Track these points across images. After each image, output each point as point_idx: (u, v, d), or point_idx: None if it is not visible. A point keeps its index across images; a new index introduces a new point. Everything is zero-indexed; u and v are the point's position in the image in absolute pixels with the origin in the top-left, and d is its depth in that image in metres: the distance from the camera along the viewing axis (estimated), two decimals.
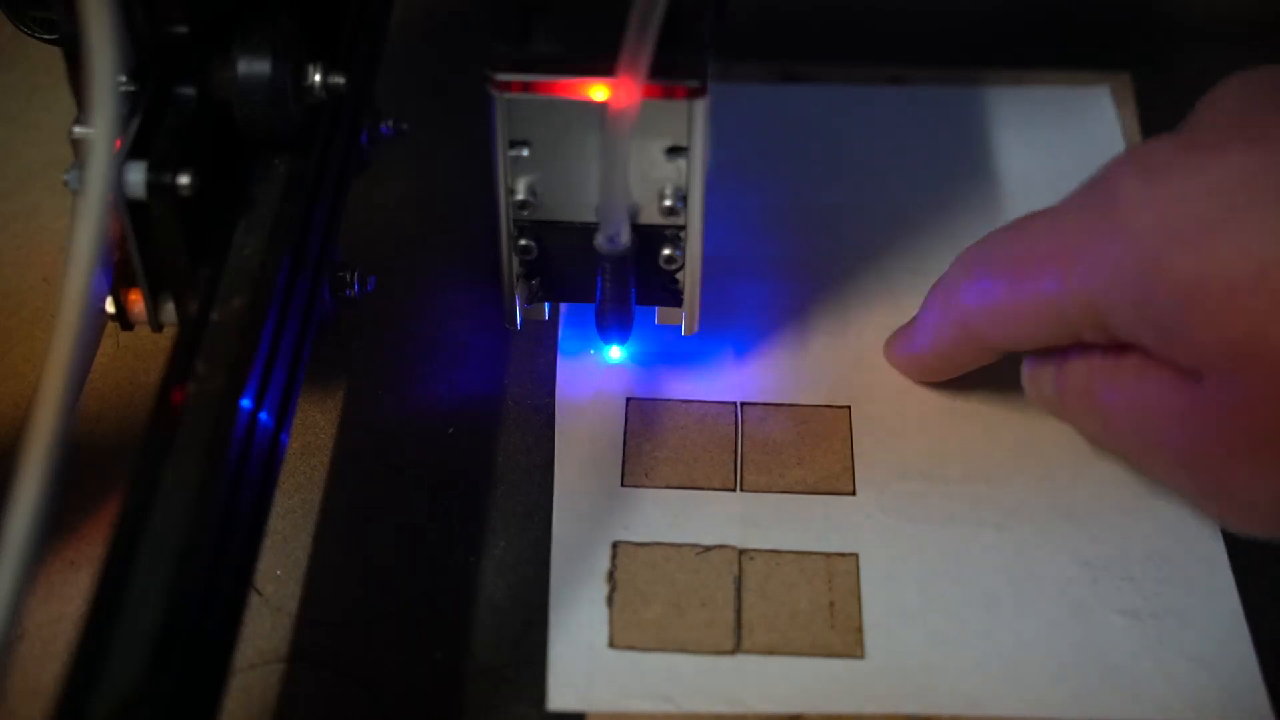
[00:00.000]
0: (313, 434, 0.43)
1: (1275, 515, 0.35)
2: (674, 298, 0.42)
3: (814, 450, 0.43)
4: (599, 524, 0.41)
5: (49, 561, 0.40)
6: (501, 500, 0.42)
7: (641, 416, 0.44)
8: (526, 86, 0.36)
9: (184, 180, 0.34)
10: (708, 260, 0.40)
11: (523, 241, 0.40)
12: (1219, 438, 0.34)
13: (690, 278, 0.41)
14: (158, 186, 0.34)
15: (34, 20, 0.40)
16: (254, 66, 0.37)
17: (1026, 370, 0.41)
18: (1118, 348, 0.37)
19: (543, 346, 0.46)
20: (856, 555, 0.41)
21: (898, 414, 0.44)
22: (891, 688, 0.38)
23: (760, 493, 0.42)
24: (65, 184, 0.34)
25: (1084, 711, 0.38)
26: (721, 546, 0.41)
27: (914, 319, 0.43)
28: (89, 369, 0.45)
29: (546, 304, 0.43)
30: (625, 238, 0.38)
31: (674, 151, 0.38)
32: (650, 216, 0.39)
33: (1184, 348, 0.34)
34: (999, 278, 0.38)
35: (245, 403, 0.34)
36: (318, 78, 0.39)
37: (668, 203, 0.38)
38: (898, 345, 0.44)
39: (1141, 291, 0.34)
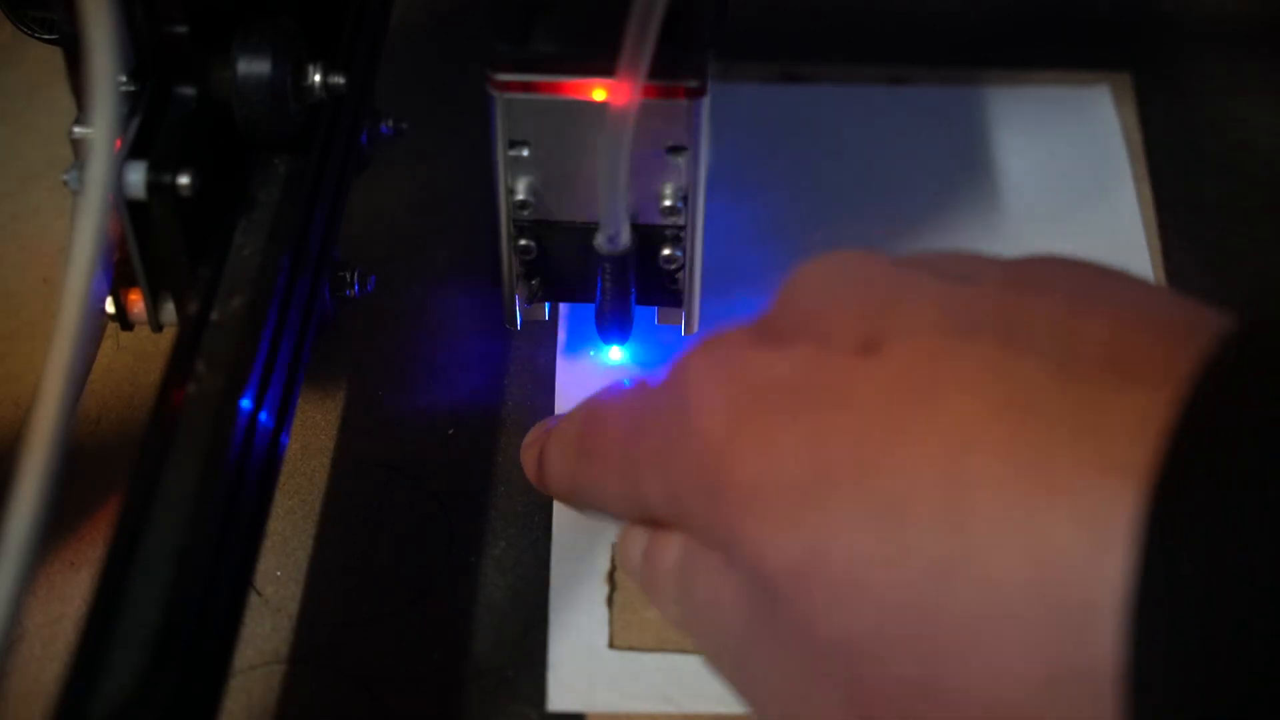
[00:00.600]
0: (313, 434, 0.43)
1: None
2: (674, 298, 0.42)
3: None
4: (599, 524, 0.41)
5: (49, 561, 0.40)
6: (501, 500, 0.42)
7: None
8: (526, 86, 0.36)
9: (184, 180, 0.34)
10: (707, 260, 0.40)
11: (523, 241, 0.40)
12: (785, 656, 0.30)
13: (690, 278, 0.41)
14: (158, 186, 0.34)
15: (34, 20, 0.40)
16: (254, 66, 0.37)
17: (620, 543, 0.36)
18: (695, 543, 0.33)
19: (543, 347, 0.46)
20: None
21: None
22: None
23: None
24: (65, 184, 0.34)
25: None
26: None
27: (537, 441, 0.39)
28: (89, 369, 0.45)
29: (546, 304, 0.43)
30: (625, 238, 0.38)
31: (674, 151, 0.38)
32: (650, 216, 0.39)
33: (742, 558, 0.30)
34: (586, 446, 0.35)
35: (245, 403, 0.34)
36: (318, 78, 0.39)
37: (668, 203, 0.38)
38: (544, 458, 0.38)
39: (709, 489, 0.30)
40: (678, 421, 0.31)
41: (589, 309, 0.42)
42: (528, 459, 0.40)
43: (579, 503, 0.37)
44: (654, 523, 0.34)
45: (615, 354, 0.45)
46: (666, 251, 0.40)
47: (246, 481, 0.34)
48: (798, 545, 0.28)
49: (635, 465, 0.33)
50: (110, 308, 0.38)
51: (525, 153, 0.38)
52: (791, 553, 0.28)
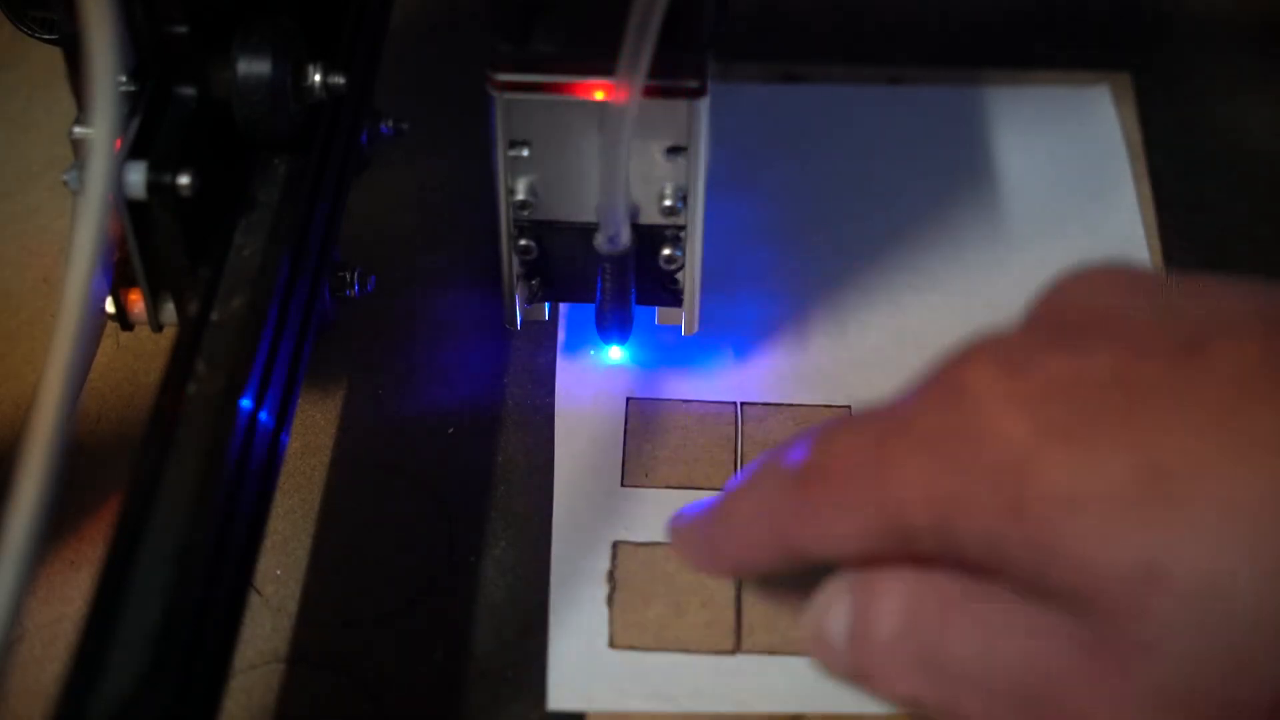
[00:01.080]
0: (313, 434, 0.43)
1: None
2: (674, 298, 0.42)
3: None
4: (599, 524, 0.41)
5: (49, 561, 0.40)
6: (501, 500, 0.42)
7: (641, 417, 0.44)
8: (526, 86, 0.36)
9: (184, 180, 0.34)
10: (708, 261, 0.40)
11: (523, 241, 0.40)
12: (1122, 687, 0.27)
13: (690, 278, 0.41)
14: (158, 186, 0.34)
15: (34, 20, 0.40)
16: (254, 66, 0.37)
17: (808, 629, 0.33)
18: (935, 588, 0.30)
19: (543, 346, 0.46)
20: None
21: None
22: None
23: None
24: (65, 184, 0.34)
25: None
26: None
27: (715, 506, 0.35)
28: (89, 369, 0.45)
29: (546, 304, 0.43)
30: (625, 238, 0.38)
31: (674, 151, 0.38)
32: (650, 216, 0.39)
33: (1062, 572, 0.27)
34: (818, 478, 0.31)
35: (245, 403, 0.34)
36: (318, 78, 0.39)
37: (668, 203, 0.38)
38: (696, 531, 0.35)
39: (1007, 501, 0.28)
40: (958, 432, 0.28)
41: (589, 309, 0.42)
42: (687, 532, 0.36)
43: (788, 554, 0.32)
44: (895, 559, 0.30)
45: (615, 354, 0.45)
46: (666, 251, 0.40)
47: (246, 481, 0.34)
48: (1134, 556, 0.26)
49: (888, 487, 0.29)
50: (110, 308, 0.38)
51: (525, 153, 0.38)
52: (1127, 565, 0.26)
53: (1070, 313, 0.30)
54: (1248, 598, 0.25)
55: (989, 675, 0.29)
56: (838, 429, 0.31)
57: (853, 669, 0.32)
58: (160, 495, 0.32)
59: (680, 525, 0.36)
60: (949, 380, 0.29)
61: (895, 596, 0.30)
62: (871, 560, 0.31)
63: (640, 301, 0.42)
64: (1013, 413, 0.28)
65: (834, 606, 0.32)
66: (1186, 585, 0.26)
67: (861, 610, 0.31)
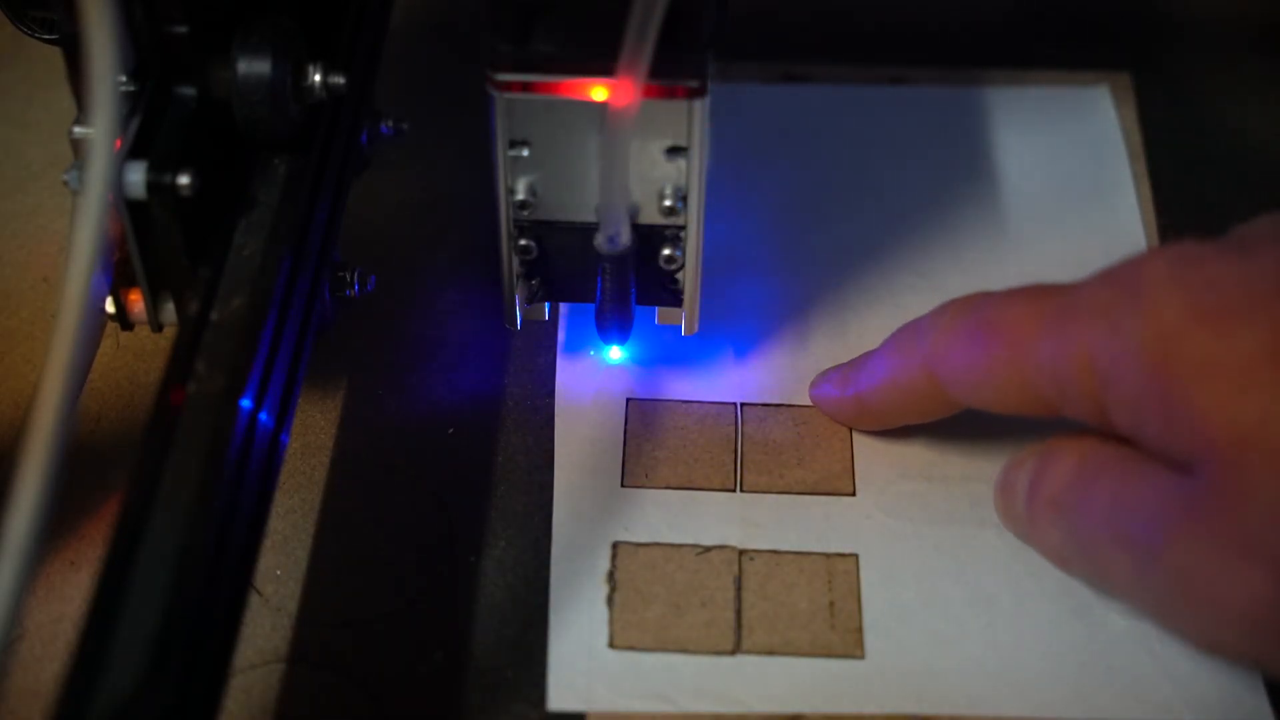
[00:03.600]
0: (313, 434, 0.43)
1: (1252, 625, 0.32)
2: (674, 298, 0.42)
3: (814, 450, 0.43)
4: (599, 524, 0.41)
5: (49, 561, 0.40)
6: (501, 500, 0.42)
7: (641, 417, 0.44)
8: (526, 86, 0.36)
9: (184, 180, 0.34)
10: (708, 260, 0.40)
11: (523, 241, 0.40)
12: (1209, 532, 0.32)
13: (690, 278, 0.41)
14: (158, 186, 0.34)
15: (34, 20, 0.40)
16: (254, 66, 0.37)
17: (998, 482, 0.40)
18: (1096, 454, 0.36)
19: (543, 346, 0.46)
20: (856, 555, 0.41)
21: None
22: (891, 688, 0.38)
23: (760, 493, 0.42)
24: (65, 184, 0.34)
25: (1084, 711, 0.38)
26: (721, 547, 0.41)
27: (855, 361, 0.42)
28: (89, 369, 0.44)
29: (546, 304, 0.43)
30: (625, 238, 0.38)
31: (674, 151, 0.38)
32: (650, 216, 0.39)
33: (1186, 428, 0.32)
34: (991, 330, 0.37)
35: (245, 403, 0.34)
36: (318, 78, 0.39)
37: (668, 203, 0.38)
38: (830, 384, 0.43)
39: (1152, 363, 0.33)
40: (1124, 307, 0.34)
41: (589, 309, 0.42)
42: (831, 376, 0.43)
43: (944, 403, 0.39)
44: (1037, 461, 0.37)
45: (615, 354, 0.45)
46: (666, 251, 0.40)
47: (246, 481, 0.34)
48: (1246, 413, 0.31)
49: (1057, 346, 0.35)
50: (110, 308, 0.38)
51: (525, 153, 0.38)
52: (1239, 420, 0.31)
53: (1250, 236, 0.35)
54: None
55: (1114, 528, 0.34)
56: (1013, 295, 0.37)
57: (1026, 519, 0.38)
58: (160, 495, 0.32)
59: (823, 380, 0.43)
60: (1127, 268, 0.35)
61: (1067, 461, 0.37)
62: (1020, 404, 0.37)
63: (640, 301, 0.42)
64: (1173, 297, 0.33)
65: (1025, 465, 0.38)
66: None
67: (1040, 470, 0.38)
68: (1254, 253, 0.33)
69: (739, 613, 0.39)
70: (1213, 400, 0.32)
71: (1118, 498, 0.34)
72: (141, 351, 0.45)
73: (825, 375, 0.43)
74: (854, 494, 0.42)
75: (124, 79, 0.36)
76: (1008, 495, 0.39)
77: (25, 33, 0.41)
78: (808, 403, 0.44)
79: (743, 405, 0.44)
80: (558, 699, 0.38)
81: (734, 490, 0.42)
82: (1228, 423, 0.31)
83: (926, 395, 0.39)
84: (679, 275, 0.41)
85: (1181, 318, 0.33)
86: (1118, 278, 0.35)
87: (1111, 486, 0.35)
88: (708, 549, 0.41)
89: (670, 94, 0.36)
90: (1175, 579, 0.33)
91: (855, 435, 0.43)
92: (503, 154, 0.38)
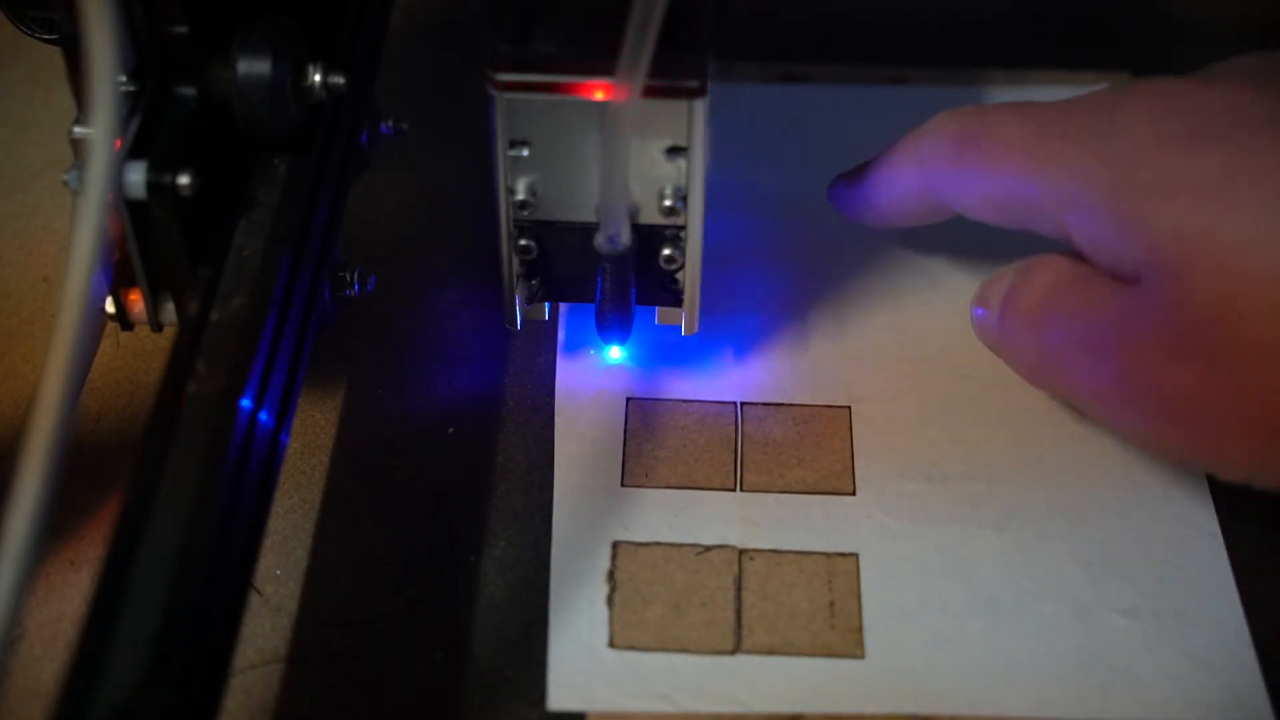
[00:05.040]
0: (313, 434, 0.43)
1: (1187, 421, 0.35)
2: (674, 298, 0.42)
3: (814, 450, 0.43)
4: (599, 524, 0.41)
5: (49, 561, 0.40)
6: (501, 500, 0.42)
7: (641, 416, 0.44)
8: (526, 86, 0.36)
9: (184, 180, 0.34)
10: (707, 260, 0.40)
11: (523, 241, 0.40)
12: (1152, 335, 0.35)
13: (690, 278, 0.41)
14: (158, 186, 0.34)
15: (34, 20, 0.40)
16: (254, 66, 0.37)
17: (976, 296, 0.42)
18: (1071, 271, 0.38)
19: (543, 346, 0.46)
20: (856, 555, 0.41)
21: (898, 414, 0.44)
22: (891, 688, 0.38)
23: (760, 493, 0.42)
24: (65, 184, 0.34)
25: (1084, 712, 0.38)
26: (721, 546, 0.41)
27: (872, 161, 0.44)
28: (89, 369, 0.45)
29: (546, 304, 0.43)
30: (625, 238, 0.38)
31: (674, 151, 0.38)
32: (650, 216, 0.39)
33: (1137, 241, 0.35)
34: (975, 139, 0.39)
35: (245, 403, 0.34)
36: (318, 78, 0.39)
37: (668, 203, 0.38)
38: (848, 185, 0.45)
39: (1113, 181, 0.35)
40: (1100, 128, 0.36)
41: (589, 309, 0.42)
42: (848, 178, 0.45)
43: (932, 207, 0.42)
44: (1012, 278, 0.40)
45: (615, 354, 0.45)
46: (666, 251, 0.40)
47: (246, 481, 0.34)
48: (1194, 222, 0.33)
49: (1037, 160, 0.37)
50: (110, 308, 0.38)
51: (525, 153, 0.38)
52: (1185, 233, 0.34)
53: (1223, 71, 0.38)
54: (1267, 264, 0.32)
55: (1076, 338, 0.37)
56: (1002, 109, 0.39)
57: (998, 332, 0.41)
58: (160, 495, 0.32)
59: (839, 181, 0.45)
60: (1111, 94, 0.37)
61: (1044, 278, 0.39)
62: (989, 218, 0.40)
63: (640, 301, 0.42)
64: (1145, 120, 0.36)
65: (1004, 279, 0.41)
66: (1224, 248, 0.33)
67: (1017, 285, 0.40)
68: (1222, 85, 0.36)
69: (739, 612, 0.39)
70: (1165, 216, 0.34)
71: (1082, 309, 0.37)
72: (141, 351, 0.45)
73: (843, 177, 0.46)
74: (854, 494, 0.42)
75: (124, 79, 0.36)
76: (984, 308, 0.41)
77: (25, 33, 0.41)
78: (808, 402, 0.44)
79: (743, 405, 0.44)
80: (558, 699, 0.38)
81: (734, 490, 0.42)
82: (1174, 236, 0.34)
83: (918, 197, 0.42)
84: (679, 275, 0.41)
85: (1146, 139, 0.35)
86: (1101, 101, 0.37)
87: (1078, 299, 0.37)
88: (708, 549, 0.41)
89: (670, 94, 0.36)
90: (1123, 382, 0.36)
91: (855, 435, 0.43)
92: (503, 154, 0.38)
